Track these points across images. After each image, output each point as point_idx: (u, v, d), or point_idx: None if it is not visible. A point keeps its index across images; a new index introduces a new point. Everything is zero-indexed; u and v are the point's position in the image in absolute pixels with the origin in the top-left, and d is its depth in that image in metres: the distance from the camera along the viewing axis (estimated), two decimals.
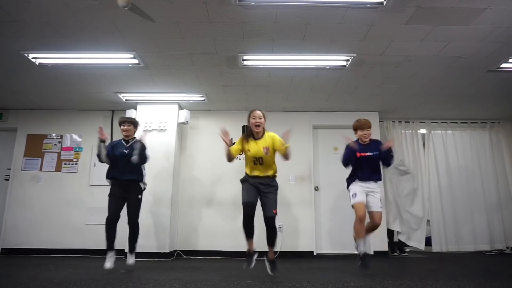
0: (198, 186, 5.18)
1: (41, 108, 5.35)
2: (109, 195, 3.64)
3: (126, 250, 4.54)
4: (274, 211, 3.15)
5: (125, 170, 3.63)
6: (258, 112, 3.24)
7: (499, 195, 5.52)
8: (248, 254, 3.25)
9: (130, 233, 3.67)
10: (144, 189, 3.81)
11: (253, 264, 3.22)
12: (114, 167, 3.66)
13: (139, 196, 3.70)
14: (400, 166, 5.39)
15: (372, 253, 4.92)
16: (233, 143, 3.38)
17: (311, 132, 5.40)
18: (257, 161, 3.21)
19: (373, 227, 3.51)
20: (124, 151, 3.67)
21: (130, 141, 3.77)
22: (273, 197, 3.20)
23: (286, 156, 3.21)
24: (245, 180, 3.28)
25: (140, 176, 3.73)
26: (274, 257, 3.25)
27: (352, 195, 3.51)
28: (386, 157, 3.55)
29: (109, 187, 3.68)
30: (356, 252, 3.52)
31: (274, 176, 3.28)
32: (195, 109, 5.30)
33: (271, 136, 3.27)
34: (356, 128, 3.66)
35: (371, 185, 3.51)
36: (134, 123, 3.84)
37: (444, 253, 5.21)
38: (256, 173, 3.23)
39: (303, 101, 5.01)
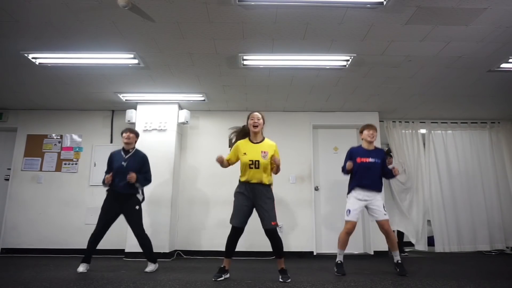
0: (198, 186, 5.18)
1: (41, 108, 5.35)
2: (102, 207, 3.54)
3: (127, 250, 4.57)
4: (273, 223, 3.00)
5: (121, 183, 3.52)
6: (257, 114, 3.22)
7: (499, 195, 5.52)
8: (222, 269, 3.10)
9: (140, 245, 3.57)
10: (143, 200, 3.69)
11: (220, 279, 3.03)
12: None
13: (136, 208, 3.58)
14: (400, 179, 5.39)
15: (372, 253, 4.93)
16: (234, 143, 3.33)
17: (311, 132, 5.40)
18: (252, 164, 3.07)
19: (388, 239, 3.42)
20: (123, 163, 3.59)
21: (130, 151, 3.71)
22: (270, 207, 3.05)
23: (276, 170, 3.19)
24: (238, 193, 3.13)
25: (136, 189, 3.61)
26: (284, 267, 3.10)
27: (347, 211, 3.46)
28: (389, 174, 3.57)
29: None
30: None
31: (269, 185, 3.14)
32: (195, 109, 5.30)
33: (273, 145, 3.20)
34: (362, 130, 3.65)
35: (370, 194, 3.45)
36: (135, 132, 3.78)
37: (444, 253, 5.21)
38: (251, 179, 3.08)
39: (303, 101, 5.01)
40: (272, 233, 3.03)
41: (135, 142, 3.79)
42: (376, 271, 3.54)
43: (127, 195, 3.56)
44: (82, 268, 3.42)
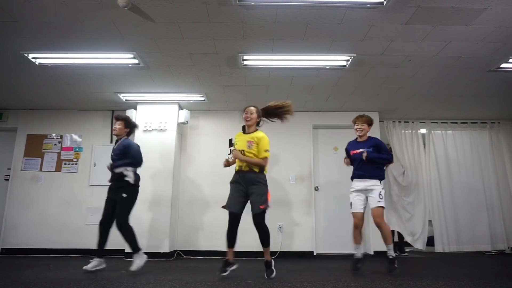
0: (198, 186, 5.18)
1: (41, 108, 5.35)
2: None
3: (127, 250, 4.56)
4: (261, 207, 3.04)
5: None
6: (250, 108, 3.32)
7: (500, 195, 5.52)
8: (226, 263, 3.13)
9: (123, 237, 3.54)
10: (134, 185, 3.59)
11: (226, 273, 3.09)
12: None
13: (123, 195, 3.51)
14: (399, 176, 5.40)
15: (372, 253, 4.93)
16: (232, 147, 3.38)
17: (311, 132, 5.40)
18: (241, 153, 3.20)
19: (380, 231, 3.44)
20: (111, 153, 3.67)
21: (118, 140, 3.72)
22: (260, 191, 3.09)
23: (257, 163, 3.16)
24: (232, 182, 3.25)
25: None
26: (269, 258, 3.16)
27: (350, 204, 3.60)
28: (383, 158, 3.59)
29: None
30: (356, 252, 3.54)
31: (261, 172, 3.18)
32: (195, 109, 5.30)
33: (258, 137, 3.22)
34: (353, 122, 3.76)
35: (368, 182, 3.51)
36: (126, 121, 3.75)
37: (444, 253, 5.21)
38: (241, 166, 3.20)
39: (303, 101, 5.01)
40: (257, 218, 3.05)
41: (125, 132, 3.74)
42: (376, 271, 3.54)
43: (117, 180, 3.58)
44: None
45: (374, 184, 3.50)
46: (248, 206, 3.16)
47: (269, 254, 3.17)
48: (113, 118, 5.37)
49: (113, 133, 3.77)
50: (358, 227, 3.52)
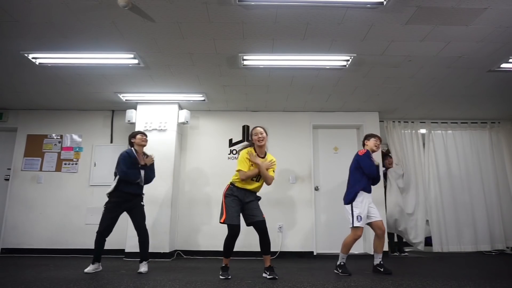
0: (198, 186, 5.18)
1: (41, 108, 5.35)
2: (110, 208, 3.48)
3: (127, 250, 4.56)
4: (263, 216, 3.19)
5: (139, 184, 3.60)
6: (259, 128, 3.29)
7: (499, 195, 5.52)
8: (226, 267, 3.20)
9: (141, 241, 3.53)
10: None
11: (230, 277, 3.13)
12: (130, 182, 3.52)
13: (142, 203, 3.64)
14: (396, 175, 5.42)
15: (372, 253, 4.92)
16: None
17: (311, 132, 5.39)
18: (255, 177, 3.22)
19: (381, 240, 3.48)
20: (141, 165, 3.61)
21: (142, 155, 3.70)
22: (258, 204, 3.27)
23: (268, 182, 3.25)
24: (231, 195, 3.20)
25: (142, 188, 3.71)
26: (270, 263, 3.19)
27: (357, 218, 3.42)
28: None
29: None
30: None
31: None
32: (195, 109, 5.30)
33: (274, 161, 3.30)
34: (369, 137, 3.65)
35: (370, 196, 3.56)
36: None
37: (444, 253, 5.21)
38: (249, 187, 3.21)
39: (303, 101, 5.01)
40: (264, 225, 3.16)
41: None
42: (376, 271, 3.53)
43: (136, 194, 3.58)
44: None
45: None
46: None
47: (270, 261, 3.21)
48: (113, 118, 5.38)
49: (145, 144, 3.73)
50: (357, 240, 3.52)
